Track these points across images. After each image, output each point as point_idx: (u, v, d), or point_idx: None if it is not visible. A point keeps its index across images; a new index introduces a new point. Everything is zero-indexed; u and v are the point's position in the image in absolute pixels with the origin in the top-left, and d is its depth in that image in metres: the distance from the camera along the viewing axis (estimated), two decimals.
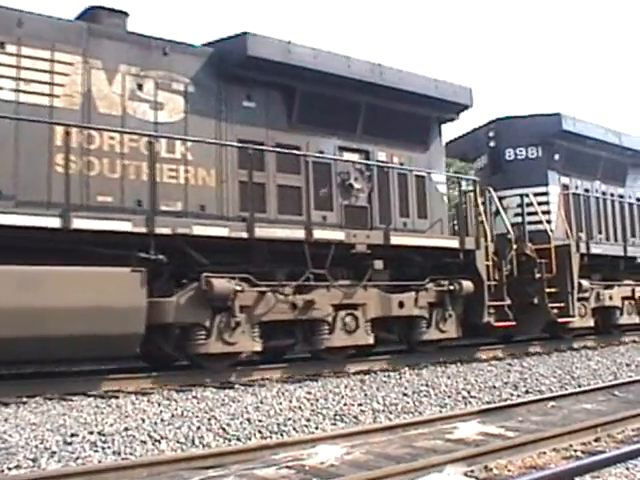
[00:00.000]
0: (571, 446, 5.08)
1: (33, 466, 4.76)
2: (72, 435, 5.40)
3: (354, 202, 9.78)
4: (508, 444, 5.01)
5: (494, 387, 8.03)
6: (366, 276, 9.04)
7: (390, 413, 6.60)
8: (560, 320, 11.66)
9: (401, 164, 10.50)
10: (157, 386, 7.59)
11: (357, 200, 9.80)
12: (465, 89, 11.13)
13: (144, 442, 5.30)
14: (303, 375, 8.33)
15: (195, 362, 8.21)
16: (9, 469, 4.67)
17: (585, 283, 12.17)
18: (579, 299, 12.01)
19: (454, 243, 10.42)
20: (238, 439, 5.47)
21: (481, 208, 11.16)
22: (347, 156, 10.00)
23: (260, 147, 8.47)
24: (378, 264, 9.25)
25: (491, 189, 11.79)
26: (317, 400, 7.04)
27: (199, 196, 8.24)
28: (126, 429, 5.63)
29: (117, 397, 7.11)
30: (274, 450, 5.06)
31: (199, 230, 7.80)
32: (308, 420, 6.16)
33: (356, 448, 5.13)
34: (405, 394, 7.47)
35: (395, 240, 9.48)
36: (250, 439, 5.50)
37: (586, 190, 13.74)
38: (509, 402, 7.09)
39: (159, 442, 5.32)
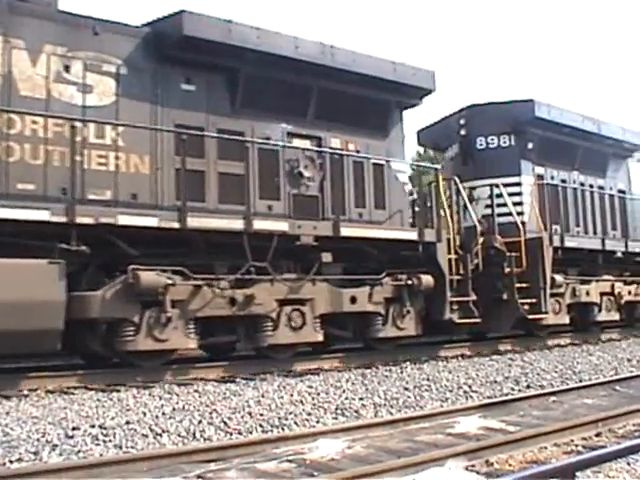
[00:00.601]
0: (572, 441, 5.46)
1: (35, 459, 5.11)
2: (73, 428, 5.85)
3: (304, 191, 10.09)
4: (509, 439, 5.36)
5: (495, 382, 8.64)
6: (313, 269, 9.39)
7: (391, 407, 7.10)
8: (531, 317, 12.20)
9: (357, 151, 10.86)
10: (158, 380, 8.26)
11: (307, 189, 10.11)
12: (427, 72, 11.36)
13: (145, 436, 5.71)
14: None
15: (126, 360, 8.64)
16: (11, 462, 5.08)
17: (559, 278, 12.66)
18: (553, 295, 12.59)
19: (412, 235, 10.71)
20: (239, 433, 5.91)
21: (444, 198, 11.65)
22: (297, 143, 10.33)
23: (196, 132, 8.84)
24: (326, 257, 9.52)
25: (457, 179, 12.32)
26: (318, 394, 7.61)
27: (131, 184, 8.47)
28: (127, 422, 6.09)
29: (118, 390, 7.68)
30: (275, 444, 5.43)
31: (125, 220, 7.91)
32: (309, 414, 6.64)
33: (357, 442, 5.52)
34: (406, 388, 8.07)
35: (346, 231, 9.73)
36: (251, 433, 5.94)
37: (563, 181, 14.28)
38: (510, 397, 7.57)
39: (160, 436, 5.73)
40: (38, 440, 5.48)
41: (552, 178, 13.94)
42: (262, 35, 9.27)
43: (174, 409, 6.71)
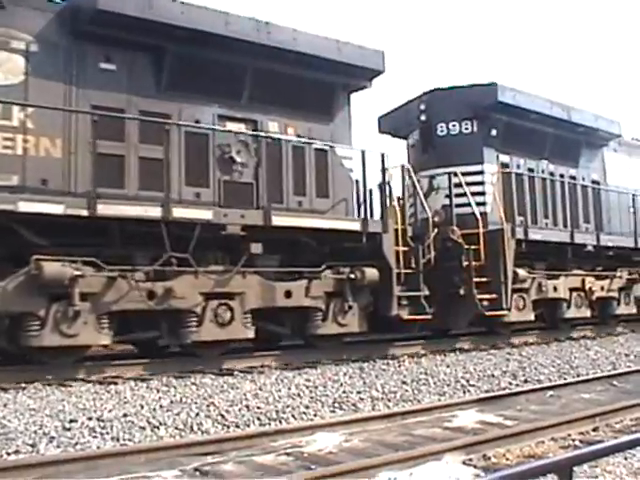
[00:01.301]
0: (569, 435, 6.03)
1: (32, 451, 5.62)
2: (71, 421, 6.43)
3: (237, 178, 10.48)
4: (506, 433, 5.92)
5: (493, 376, 9.50)
6: (241, 261, 9.87)
7: (389, 401, 7.81)
8: (489, 313, 12.78)
9: (298, 136, 11.29)
10: (156, 373, 9.00)
11: (240, 176, 10.52)
12: (376, 52, 11.82)
13: (143, 428, 6.29)
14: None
15: (36, 357, 8.87)
16: (8, 454, 5.53)
17: (522, 272, 13.36)
18: (517, 290, 13.31)
19: (355, 225, 11.16)
20: (237, 426, 6.53)
21: (391, 185, 12.20)
22: (230, 126, 10.66)
23: (113, 114, 9.22)
24: (256, 248, 9.98)
25: (409, 166, 12.90)
26: (316, 387, 8.38)
27: (40, 169, 8.73)
28: (125, 415, 6.69)
29: (116, 383, 8.45)
30: (273, 437, 5.98)
31: (27, 207, 8.12)
32: (307, 407, 7.32)
33: (355, 436, 6.09)
34: (404, 382, 8.86)
35: (278, 221, 10.14)
36: (249, 426, 6.57)
37: (530, 170, 14.94)
38: (508, 391, 8.34)
39: (158, 428, 6.31)
40: (35, 432, 6.06)
41: (518, 167, 14.60)
42: (187, 10, 9.64)
43: (172, 402, 7.42)
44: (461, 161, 13.53)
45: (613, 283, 15.71)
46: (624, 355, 11.74)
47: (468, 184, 13.26)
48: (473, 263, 12.51)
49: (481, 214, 13.14)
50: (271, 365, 9.95)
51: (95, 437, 6.00)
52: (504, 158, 14.20)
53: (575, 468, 4.28)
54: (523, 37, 57.60)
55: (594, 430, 6.26)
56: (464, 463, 5.19)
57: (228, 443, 5.76)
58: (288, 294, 10.34)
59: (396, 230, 11.53)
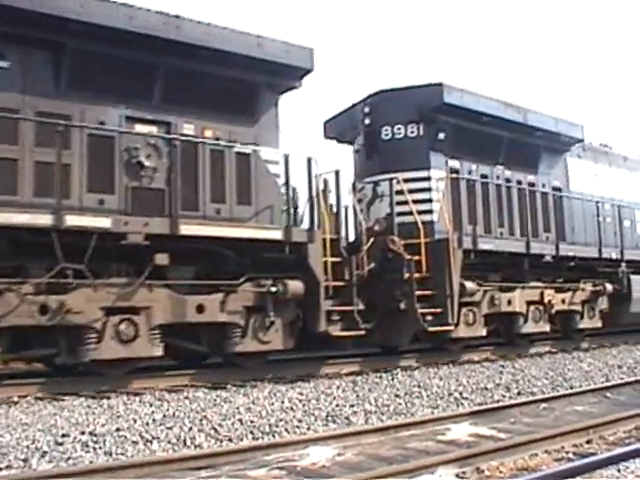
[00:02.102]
0: (563, 448, 6.70)
1: (24, 466, 6.16)
2: (63, 435, 7.12)
3: (146, 184, 10.89)
4: (500, 446, 6.58)
5: (486, 388, 10.50)
6: (144, 273, 10.25)
7: (382, 414, 8.68)
8: (432, 329, 13.28)
9: (216, 139, 11.65)
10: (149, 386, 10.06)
11: (150, 181, 10.92)
12: (303, 49, 12.36)
13: (135, 443, 6.96)
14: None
15: None
16: (0, 469, 5.98)
17: (471, 285, 13.98)
18: (466, 304, 14.00)
19: (276, 234, 11.59)
20: (230, 440, 7.25)
21: (319, 192, 12.56)
22: (139, 128, 11.02)
23: (4, 115, 9.46)
24: (161, 259, 10.30)
25: (340, 172, 13.22)
26: (309, 401, 9.32)
27: None
28: (118, 429, 7.42)
29: (109, 397, 9.45)
30: (266, 451, 6.65)
31: None
32: (300, 421, 8.14)
33: (348, 449, 6.79)
34: (397, 395, 9.82)
35: (188, 230, 10.53)
36: (242, 440, 7.30)
37: (484, 176, 15.65)
38: (501, 404, 9.25)
39: (151, 443, 6.98)
40: (27, 447, 6.68)
41: (470, 172, 15.34)
42: (86, 3, 10.05)
43: (164, 416, 8.24)
44: (406, 166, 14.25)
45: (576, 296, 16.53)
46: (617, 367, 13.08)
47: (413, 191, 13.97)
48: (416, 275, 13.19)
49: (427, 223, 13.86)
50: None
51: (87, 452, 6.63)
52: (453, 163, 14.96)
53: None
54: (508, 40, 59.09)
55: (587, 442, 7.00)
56: (457, 476, 5.80)
57: (221, 457, 6.41)
58: (200, 309, 10.76)
59: (325, 240, 12.04)
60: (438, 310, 13.21)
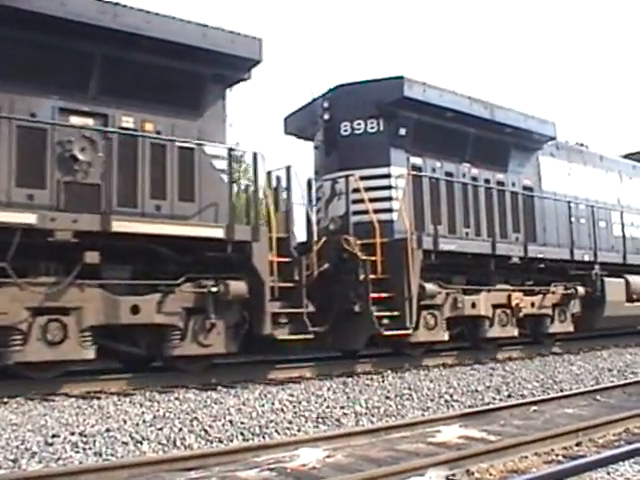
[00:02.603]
0: (553, 450, 7.18)
1: (13, 467, 6.52)
2: (53, 436, 7.57)
3: (80, 178, 11.06)
4: (490, 448, 7.01)
5: (476, 391, 11.17)
6: (73, 272, 10.42)
7: (372, 416, 9.25)
8: (388, 333, 13.53)
9: (157, 132, 11.90)
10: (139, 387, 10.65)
11: (85, 176, 11.08)
12: (251, 40, 12.60)
13: (126, 443, 7.41)
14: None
15: None
16: None
17: (431, 287, 14.34)
18: (426, 307, 14.34)
19: (217, 232, 11.81)
20: (220, 441, 7.74)
21: (266, 189, 12.98)
22: (74, 121, 11.09)
23: None
24: (92, 257, 10.46)
25: (291, 168, 13.55)
26: (299, 402, 9.93)
27: None
28: (108, 430, 7.91)
29: (99, 398, 10.05)
30: (256, 452, 7.11)
31: None
32: (290, 422, 8.68)
33: (338, 451, 7.27)
34: (388, 397, 10.44)
35: (120, 227, 10.65)
36: (232, 441, 7.80)
37: (448, 174, 15.95)
38: (491, 406, 9.80)
39: (141, 443, 7.43)
40: (17, 447, 7.10)
41: (433, 170, 15.67)
42: None
43: (155, 417, 8.80)
44: (365, 163, 14.59)
45: (546, 299, 16.99)
46: (607, 370, 13.96)
47: (372, 189, 14.32)
48: (372, 276, 13.49)
49: (385, 222, 14.20)
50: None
51: (77, 452, 7.06)
52: (416, 160, 15.33)
53: None
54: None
55: (577, 445, 7.49)
56: (447, 478, 6.23)
57: (211, 458, 6.86)
58: (135, 310, 11.03)
59: (271, 239, 12.33)
60: (395, 313, 13.62)
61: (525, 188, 17.46)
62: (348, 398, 10.27)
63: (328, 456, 7.01)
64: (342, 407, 9.58)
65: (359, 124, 14.80)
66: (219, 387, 11.05)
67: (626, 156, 22.74)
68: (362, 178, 14.11)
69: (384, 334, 13.47)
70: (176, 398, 10.10)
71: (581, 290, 17.32)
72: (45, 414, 8.74)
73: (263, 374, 12.40)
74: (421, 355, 14.59)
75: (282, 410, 9.35)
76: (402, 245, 13.78)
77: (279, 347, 12.77)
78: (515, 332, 16.05)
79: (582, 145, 20.50)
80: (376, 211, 13.95)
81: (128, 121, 11.46)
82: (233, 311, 11.78)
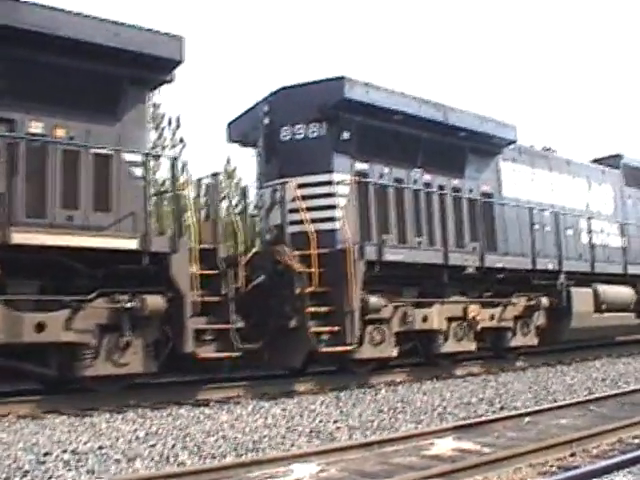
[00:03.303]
0: (547, 461, 7.64)
1: None
2: (45, 454, 8.12)
3: None
4: (484, 460, 7.42)
5: (470, 403, 11.99)
6: None
7: (366, 430, 9.85)
8: (326, 349, 13.50)
9: (71, 138, 11.92)
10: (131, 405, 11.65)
11: None
12: (170, 38, 12.72)
13: (118, 461, 7.93)
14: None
15: None
16: None
17: (375, 300, 14.44)
18: (372, 321, 14.47)
19: (131, 244, 11.88)
20: (213, 457, 8.28)
21: (188, 197, 13.02)
22: None
23: None
24: None
25: (218, 175, 13.84)
26: (292, 417, 10.75)
27: None
28: (100, 447, 8.55)
29: (91, 415, 10.94)
30: (249, 468, 7.56)
31: None
32: (283, 437, 9.32)
33: (331, 465, 7.74)
34: (381, 411, 11.23)
35: (22, 239, 10.56)
36: (225, 457, 8.32)
37: (398, 180, 16.03)
38: (485, 418, 10.40)
39: (134, 461, 7.93)
40: (9, 466, 7.59)
41: (381, 176, 15.81)
42: None
43: (147, 433, 9.53)
44: (306, 170, 14.82)
45: (507, 311, 17.28)
46: (600, 380, 15.02)
47: (313, 197, 14.54)
48: (310, 289, 13.53)
49: (327, 232, 14.28)
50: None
51: (70, 470, 7.56)
52: (361, 166, 15.55)
53: None
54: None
55: (571, 455, 7.97)
56: None
57: (204, 475, 7.33)
58: (40, 327, 11.07)
59: (192, 250, 12.38)
60: (335, 328, 13.86)
61: (484, 195, 17.75)
62: (341, 412, 11.15)
63: (321, 470, 7.56)
64: (335, 421, 10.37)
65: (300, 129, 14.99)
66: (212, 403, 11.75)
67: (595, 161, 23.13)
68: (302, 185, 14.33)
69: (321, 350, 13.53)
70: (169, 414, 11.03)
71: (545, 301, 17.71)
72: (37, 432, 9.46)
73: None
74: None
75: (275, 425, 10.17)
76: (342, 256, 14.06)
77: (208, 366, 12.80)
78: (472, 347, 16.39)
79: (549, 150, 20.90)
80: (316, 220, 14.15)
81: (37, 126, 11.51)
82: (151, 328, 11.99)
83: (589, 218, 20.61)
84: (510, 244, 17.93)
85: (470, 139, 17.07)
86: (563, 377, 15.25)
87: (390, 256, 14.83)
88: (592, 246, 20.32)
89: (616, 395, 12.25)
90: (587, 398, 12.02)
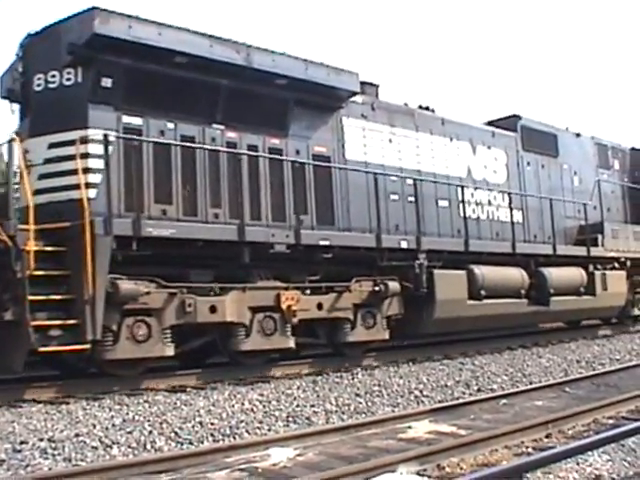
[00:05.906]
0: (522, 443, 10.09)
1: None
2: (21, 442, 10.35)
3: None
4: (460, 442, 9.78)
5: (446, 386, 15.62)
6: None
7: (343, 414, 12.71)
8: (46, 349, 13.57)
9: None
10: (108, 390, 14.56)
11: None
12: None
13: (95, 448, 10.15)
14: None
15: None
16: None
17: (128, 286, 15.00)
18: (133, 312, 14.65)
19: None
20: (190, 443, 10.66)
21: None
22: None
23: None
24: None
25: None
26: (269, 402, 13.70)
27: None
28: (77, 435, 10.81)
29: (67, 403, 13.78)
30: (226, 453, 9.72)
31: None
32: (260, 422, 11.98)
33: (309, 449, 10.06)
34: (358, 394, 14.50)
35: None
36: (202, 442, 10.75)
37: (187, 138, 16.48)
38: (461, 401, 13.50)
39: (111, 447, 10.20)
40: None
41: (162, 133, 16.24)
42: None
43: (124, 420, 11.93)
44: (58, 126, 15.23)
45: (342, 299, 17.92)
46: (575, 362, 19.53)
47: (63, 158, 14.69)
48: (39, 273, 13.59)
49: (79, 201, 14.31)
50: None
51: (46, 458, 9.49)
52: (132, 120, 16.04)
53: (528, 474, 8.01)
54: None
55: (547, 437, 10.36)
56: (418, 474, 8.54)
57: (182, 460, 9.26)
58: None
59: None
60: (70, 322, 14.01)
61: (318, 157, 18.30)
62: (318, 396, 13.08)
63: (299, 455, 9.21)
64: (312, 405, 12.26)
65: (54, 76, 15.47)
66: (188, 389, 13.57)
67: (490, 123, 24.36)
68: (53, 145, 14.58)
69: (41, 350, 13.60)
70: (145, 401, 13.58)
71: (394, 286, 18.47)
72: (13, 420, 11.28)
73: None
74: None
75: (252, 410, 12.75)
76: (81, 230, 14.31)
77: None
78: (290, 343, 16.91)
79: (427, 109, 21.79)
80: (69, 188, 14.31)
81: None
82: None
83: (471, 187, 21.66)
84: (354, 217, 18.77)
85: (294, 89, 17.76)
86: (539, 359, 19.67)
87: (153, 231, 14.97)
88: (465, 219, 21.14)
89: (591, 377, 15.98)
90: (562, 380, 14.97)
